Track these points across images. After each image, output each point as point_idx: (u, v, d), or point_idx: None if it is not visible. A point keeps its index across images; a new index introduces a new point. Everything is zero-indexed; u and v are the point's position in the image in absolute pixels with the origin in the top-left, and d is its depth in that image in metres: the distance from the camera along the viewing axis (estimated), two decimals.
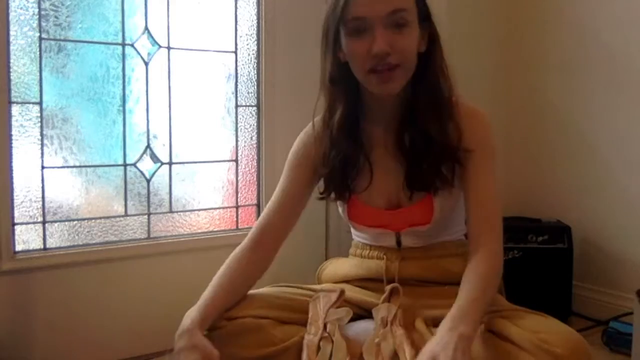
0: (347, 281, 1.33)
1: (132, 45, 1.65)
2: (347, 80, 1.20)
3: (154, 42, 1.69)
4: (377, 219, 1.27)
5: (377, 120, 1.25)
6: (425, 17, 1.22)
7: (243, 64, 1.84)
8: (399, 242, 1.28)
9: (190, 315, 1.10)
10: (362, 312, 1.25)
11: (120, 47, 1.63)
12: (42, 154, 1.55)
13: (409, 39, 1.15)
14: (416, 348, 1.03)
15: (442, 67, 1.22)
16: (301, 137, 1.31)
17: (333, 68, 1.20)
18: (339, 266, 1.42)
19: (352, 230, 1.46)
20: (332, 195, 1.26)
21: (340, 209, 1.35)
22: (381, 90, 1.18)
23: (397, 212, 1.25)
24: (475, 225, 1.15)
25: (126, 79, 1.64)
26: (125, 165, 1.66)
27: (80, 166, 1.60)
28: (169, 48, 1.71)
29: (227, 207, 1.85)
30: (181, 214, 1.77)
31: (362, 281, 1.31)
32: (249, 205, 1.88)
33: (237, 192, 1.86)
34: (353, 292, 1.29)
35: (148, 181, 1.71)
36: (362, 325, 1.21)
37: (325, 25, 1.20)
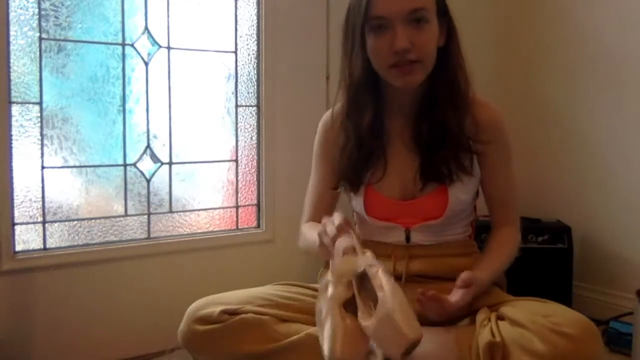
0: None
1: (132, 45, 1.65)
2: (370, 77, 1.24)
3: (154, 42, 1.69)
4: (390, 211, 1.30)
5: (395, 113, 1.30)
6: (443, 12, 1.28)
7: (243, 64, 1.84)
8: (407, 238, 1.29)
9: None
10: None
11: (120, 47, 1.63)
12: (42, 154, 1.55)
13: (428, 35, 1.22)
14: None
15: (459, 61, 1.29)
16: (320, 128, 1.38)
17: (358, 65, 1.24)
18: None
19: (359, 228, 1.46)
20: (347, 185, 1.33)
21: (353, 202, 1.36)
22: (402, 83, 1.23)
23: (411, 202, 1.28)
24: (498, 208, 1.30)
25: (126, 79, 1.64)
26: (125, 165, 1.66)
27: (80, 166, 1.60)
28: (169, 48, 1.71)
29: (227, 207, 1.85)
30: (181, 214, 1.77)
31: None
32: (248, 205, 1.88)
33: (237, 192, 1.86)
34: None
35: (148, 181, 1.71)
36: None
37: (348, 25, 1.26)
